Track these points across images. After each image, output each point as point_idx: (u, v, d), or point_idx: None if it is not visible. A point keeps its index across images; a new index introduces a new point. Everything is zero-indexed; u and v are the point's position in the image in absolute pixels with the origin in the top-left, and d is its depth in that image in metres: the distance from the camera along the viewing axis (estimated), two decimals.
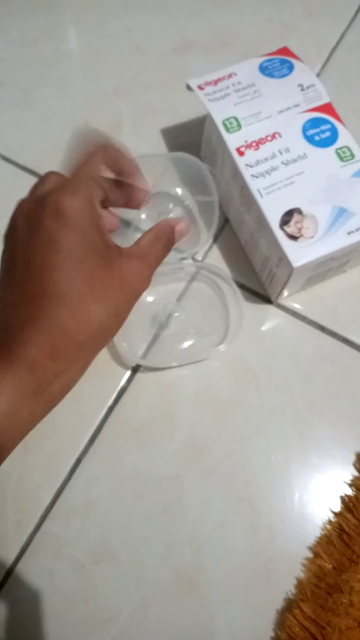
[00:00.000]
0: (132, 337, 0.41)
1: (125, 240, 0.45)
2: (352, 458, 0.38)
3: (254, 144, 0.39)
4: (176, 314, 0.42)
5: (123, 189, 0.32)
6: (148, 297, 0.43)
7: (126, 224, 0.45)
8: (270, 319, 0.43)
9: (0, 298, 0.28)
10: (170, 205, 0.45)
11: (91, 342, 0.27)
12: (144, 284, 0.30)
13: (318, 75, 0.53)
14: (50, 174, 0.30)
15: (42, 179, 0.30)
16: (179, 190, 0.46)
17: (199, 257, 0.45)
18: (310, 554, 0.36)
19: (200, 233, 0.44)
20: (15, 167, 0.50)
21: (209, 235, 0.44)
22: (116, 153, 0.31)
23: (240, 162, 0.39)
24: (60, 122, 0.52)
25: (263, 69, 0.41)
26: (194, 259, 0.45)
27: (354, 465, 0.38)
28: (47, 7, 0.58)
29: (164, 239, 0.32)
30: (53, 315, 0.26)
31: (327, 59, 0.54)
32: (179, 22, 0.56)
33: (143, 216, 0.45)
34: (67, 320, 0.26)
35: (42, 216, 0.27)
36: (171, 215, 0.45)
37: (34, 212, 0.27)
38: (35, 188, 0.30)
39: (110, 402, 0.41)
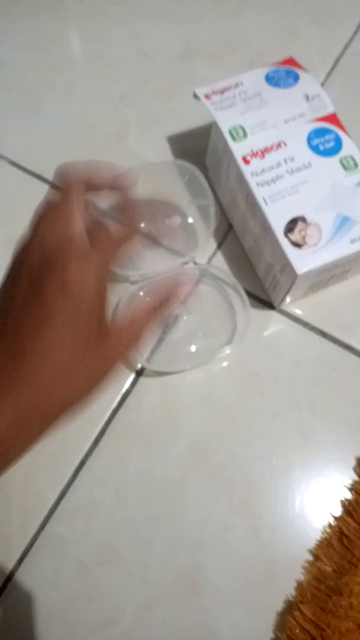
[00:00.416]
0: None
1: None
2: (353, 462, 0.39)
3: (259, 153, 0.40)
4: (184, 317, 0.42)
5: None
6: None
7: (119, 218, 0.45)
8: (273, 324, 0.43)
9: None
10: (168, 212, 0.46)
11: (52, 417, 0.28)
12: (117, 365, 0.30)
13: (323, 83, 0.53)
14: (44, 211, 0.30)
15: (44, 216, 0.30)
16: (176, 196, 0.46)
17: (203, 261, 0.46)
18: (310, 557, 0.37)
19: (198, 236, 0.45)
20: (22, 171, 0.51)
21: (208, 237, 0.44)
22: (98, 178, 0.32)
23: (246, 170, 0.39)
24: (66, 127, 0.53)
25: (269, 79, 0.42)
26: (195, 263, 0.45)
27: (354, 470, 0.39)
28: (53, 13, 0.59)
29: (155, 313, 0.32)
30: (25, 385, 0.26)
31: (332, 68, 0.54)
32: (185, 30, 0.57)
33: (142, 224, 0.46)
34: (36, 394, 0.26)
35: (46, 281, 0.26)
36: (166, 222, 0.45)
37: (38, 275, 0.27)
38: (39, 221, 0.30)
39: (114, 404, 0.41)
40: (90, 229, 0.30)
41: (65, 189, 0.31)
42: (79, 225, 0.30)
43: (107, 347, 0.29)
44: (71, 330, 0.27)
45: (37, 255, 0.28)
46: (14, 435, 0.26)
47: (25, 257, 0.29)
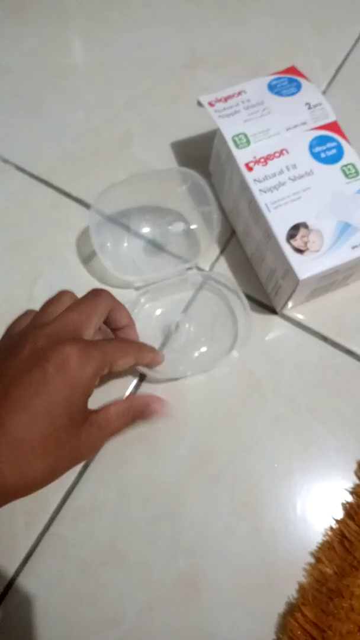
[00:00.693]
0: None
1: (122, 244, 0.46)
2: (354, 466, 0.39)
3: (262, 160, 0.40)
4: (186, 325, 0.43)
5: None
6: (156, 310, 0.44)
7: (126, 228, 0.46)
8: (275, 329, 0.44)
9: None
10: (171, 219, 0.47)
11: (17, 492, 0.29)
12: (92, 452, 0.32)
13: (324, 91, 0.54)
14: (64, 295, 0.34)
15: (55, 300, 0.34)
16: (180, 203, 0.47)
17: (206, 267, 0.46)
18: (312, 560, 0.37)
19: (201, 242, 0.45)
20: (29, 176, 0.51)
21: (210, 243, 0.45)
22: (115, 305, 0.36)
23: (249, 177, 0.40)
24: (71, 134, 0.53)
25: (272, 87, 0.43)
26: (198, 268, 0.46)
27: (356, 474, 0.39)
28: (59, 21, 0.60)
29: (134, 414, 0.34)
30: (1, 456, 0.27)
31: (334, 76, 0.55)
32: (189, 39, 0.58)
33: (144, 230, 0.47)
34: (6, 467, 0.27)
35: (47, 356, 0.29)
36: (170, 228, 0.46)
37: (42, 348, 0.29)
38: (47, 307, 0.33)
39: None
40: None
41: (97, 299, 0.34)
42: (94, 326, 0.33)
43: (86, 431, 0.30)
44: (61, 409, 0.28)
45: (44, 333, 0.30)
46: None
47: (34, 334, 0.30)
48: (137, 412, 0.34)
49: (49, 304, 0.34)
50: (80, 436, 0.30)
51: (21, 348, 0.30)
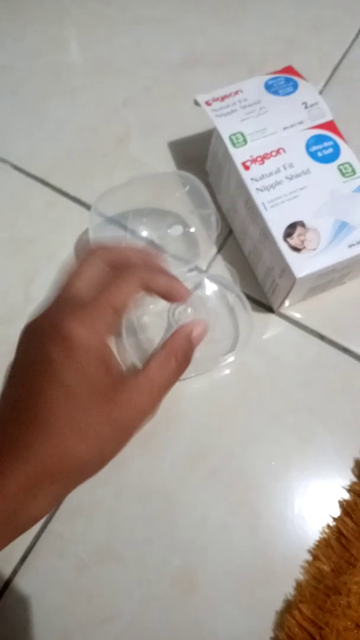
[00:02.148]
0: (143, 351, 0.42)
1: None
2: (351, 464, 0.40)
3: (259, 159, 0.40)
4: None
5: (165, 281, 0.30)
6: (156, 311, 0.44)
7: (125, 230, 0.46)
8: (272, 327, 0.44)
9: None
10: (170, 222, 0.47)
11: (67, 479, 0.26)
12: (140, 417, 0.28)
13: (321, 91, 0.54)
14: (92, 263, 0.29)
15: (83, 273, 0.29)
16: (178, 206, 0.47)
17: (203, 266, 0.46)
18: (309, 557, 0.37)
19: (200, 244, 0.46)
20: (25, 175, 0.51)
21: (209, 245, 0.45)
22: (155, 272, 0.30)
23: (246, 176, 0.40)
24: (69, 132, 0.53)
25: (268, 87, 0.43)
26: (198, 270, 0.46)
27: (352, 471, 0.39)
28: (58, 20, 0.60)
29: (180, 356, 0.30)
30: (35, 448, 0.25)
31: (331, 76, 0.55)
32: (187, 38, 0.58)
33: (143, 233, 0.47)
34: (47, 456, 0.25)
35: (46, 340, 0.26)
36: (169, 231, 0.46)
37: (41, 334, 0.27)
38: (75, 280, 0.29)
39: None
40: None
41: (124, 272, 0.29)
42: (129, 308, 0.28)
43: (124, 396, 0.27)
44: (79, 386, 0.26)
45: (42, 320, 0.28)
46: (26, 502, 0.25)
47: (30, 324, 0.28)
48: (180, 351, 0.30)
49: (77, 275, 0.30)
50: (119, 407, 0.27)
51: (25, 340, 0.28)
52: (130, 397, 0.27)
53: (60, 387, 0.26)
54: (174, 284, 0.30)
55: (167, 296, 0.30)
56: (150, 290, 0.30)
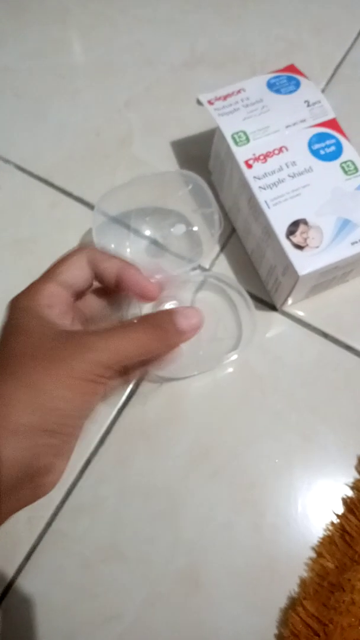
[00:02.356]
0: None
1: (125, 245, 0.46)
2: (354, 461, 0.40)
3: (261, 157, 0.41)
4: None
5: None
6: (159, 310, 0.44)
7: (128, 230, 0.46)
8: (275, 325, 0.44)
9: None
10: (173, 221, 0.47)
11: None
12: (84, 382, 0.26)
13: (323, 90, 0.54)
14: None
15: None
16: (181, 205, 0.47)
17: (206, 265, 0.47)
18: (313, 554, 0.37)
19: (203, 243, 0.46)
20: (28, 175, 0.52)
21: (213, 244, 0.45)
22: (101, 258, 0.31)
23: (249, 174, 0.40)
24: (73, 133, 0.54)
25: (271, 86, 0.43)
26: (201, 269, 0.46)
27: (356, 469, 0.39)
28: (60, 21, 0.60)
29: (158, 331, 0.30)
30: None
31: (332, 75, 0.55)
32: (189, 38, 0.58)
33: (146, 232, 0.47)
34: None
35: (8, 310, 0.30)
36: (172, 230, 0.46)
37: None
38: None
39: (120, 404, 0.42)
40: None
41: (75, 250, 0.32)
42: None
43: (65, 353, 0.26)
44: (23, 347, 0.27)
45: None
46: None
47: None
48: (160, 326, 0.29)
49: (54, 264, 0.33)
50: (55, 364, 0.26)
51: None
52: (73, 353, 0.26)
53: (4, 349, 0.27)
54: (135, 278, 0.31)
55: (120, 286, 0.31)
56: (98, 270, 0.31)
